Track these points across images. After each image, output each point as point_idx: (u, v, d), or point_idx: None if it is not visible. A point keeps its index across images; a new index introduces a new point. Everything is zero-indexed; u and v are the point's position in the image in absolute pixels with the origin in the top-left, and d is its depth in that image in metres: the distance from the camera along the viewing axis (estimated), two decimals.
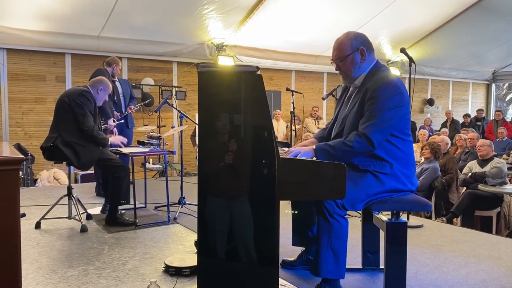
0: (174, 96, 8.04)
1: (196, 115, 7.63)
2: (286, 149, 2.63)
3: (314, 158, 2.22)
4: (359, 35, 2.41)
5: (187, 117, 4.52)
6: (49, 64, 7.36)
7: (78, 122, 3.67)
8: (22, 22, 6.64)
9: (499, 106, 14.37)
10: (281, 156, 2.30)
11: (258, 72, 1.86)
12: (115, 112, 5.44)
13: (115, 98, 5.35)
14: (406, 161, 2.36)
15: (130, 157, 3.92)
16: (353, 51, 2.37)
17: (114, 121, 4.90)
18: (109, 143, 3.88)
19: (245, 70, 1.88)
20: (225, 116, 1.87)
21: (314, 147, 2.26)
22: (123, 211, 3.93)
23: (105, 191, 4.25)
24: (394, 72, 8.71)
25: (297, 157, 2.19)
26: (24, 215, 4.06)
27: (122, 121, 5.30)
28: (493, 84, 14.03)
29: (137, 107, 5.60)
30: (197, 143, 7.48)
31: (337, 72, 2.49)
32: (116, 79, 5.58)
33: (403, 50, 3.80)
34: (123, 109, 5.54)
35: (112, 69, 5.30)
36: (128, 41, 7.55)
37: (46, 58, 7.31)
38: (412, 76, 3.77)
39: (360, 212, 3.74)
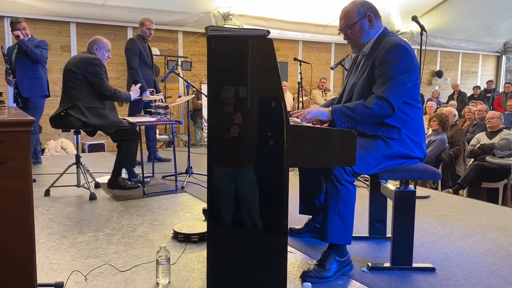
0: (180, 66, 7.97)
1: (202, 85, 7.60)
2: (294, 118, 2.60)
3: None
4: (366, 2, 2.41)
5: (193, 86, 4.49)
6: (54, 33, 7.29)
7: (97, 89, 3.75)
8: None
9: (509, 78, 14.11)
10: (297, 118, 2.31)
11: (269, 36, 1.82)
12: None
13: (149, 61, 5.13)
14: (415, 127, 2.35)
15: (138, 127, 3.93)
16: (360, 17, 2.37)
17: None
18: (132, 98, 4.07)
19: (255, 34, 1.83)
20: (235, 81, 1.84)
21: (330, 108, 2.24)
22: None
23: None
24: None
25: (314, 117, 2.26)
26: (34, 180, 4.11)
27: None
28: (503, 56, 13.75)
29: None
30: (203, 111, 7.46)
31: (346, 41, 2.49)
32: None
33: (414, 18, 3.69)
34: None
35: (140, 31, 5.09)
36: (133, 9, 7.43)
37: (51, 27, 7.24)
38: (423, 46, 3.68)
39: (367, 183, 3.75)
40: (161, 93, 5.06)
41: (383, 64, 2.25)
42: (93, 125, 3.73)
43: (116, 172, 3.90)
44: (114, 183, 3.89)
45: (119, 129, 3.79)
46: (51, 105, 7.10)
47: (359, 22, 2.36)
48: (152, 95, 4.83)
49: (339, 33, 2.47)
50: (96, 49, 3.89)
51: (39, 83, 4.88)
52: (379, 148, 2.28)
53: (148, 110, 4.12)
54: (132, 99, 4.09)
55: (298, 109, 5.67)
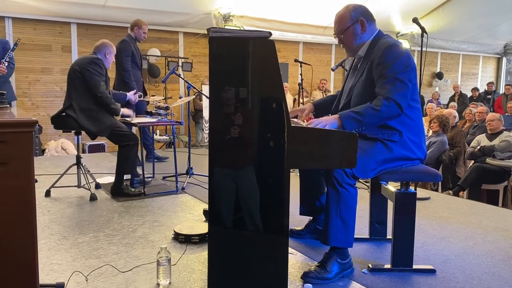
0: (181, 67, 7.98)
1: (203, 86, 7.60)
2: (295, 120, 2.62)
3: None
4: (359, 7, 2.42)
5: (194, 87, 4.49)
6: (55, 34, 7.30)
7: (90, 89, 3.67)
8: None
9: (509, 80, 14.12)
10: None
11: (271, 38, 1.83)
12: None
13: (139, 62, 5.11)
14: (414, 128, 2.35)
15: (140, 127, 3.92)
16: (353, 22, 2.39)
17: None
18: (120, 113, 3.91)
19: (257, 35, 1.84)
20: (237, 82, 1.84)
21: (338, 115, 2.22)
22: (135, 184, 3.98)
23: None
24: (404, 44, 8.54)
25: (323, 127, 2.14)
26: (36, 180, 4.11)
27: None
28: (504, 58, 13.77)
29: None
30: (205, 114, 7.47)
31: (341, 45, 2.51)
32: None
33: (415, 20, 3.69)
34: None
35: (134, 32, 5.04)
36: (133, 10, 7.44)
37: (51, 27, 7.24)
38: (424, 47, 3.69)
39: (368, 184, 3.75)
40: (147, 96, 5.06)
41: (381, 65, 2.26)
42: (84, 127, 3.66)
43: (118, 179, 3.86)
44: (118, 191, 3.84)
45: (116, 133, 3.73)
46: (52, 105, 7.15)
47: (351, 27, 2.39)
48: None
49: (335, 37, 2.50)
50: (108, 54, 3.88)
51: (9, 88, 4.44)
52: (380, 151, 2.27)
53: (149, 111, 4.11)
54: (119, 113, 3.93)
55: None
